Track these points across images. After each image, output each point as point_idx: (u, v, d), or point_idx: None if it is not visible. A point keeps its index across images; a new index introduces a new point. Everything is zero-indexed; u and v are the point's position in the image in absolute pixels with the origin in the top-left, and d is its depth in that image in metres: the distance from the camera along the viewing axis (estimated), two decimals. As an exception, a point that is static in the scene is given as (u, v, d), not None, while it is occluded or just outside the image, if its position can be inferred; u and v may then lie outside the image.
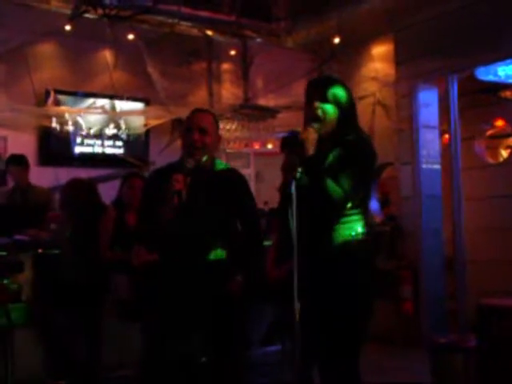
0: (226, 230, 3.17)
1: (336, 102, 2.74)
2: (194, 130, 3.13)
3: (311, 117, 2.73)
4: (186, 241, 3.10)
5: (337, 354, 2.69)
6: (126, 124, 7.40)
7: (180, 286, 3.09)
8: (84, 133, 7.11)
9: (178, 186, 2.97)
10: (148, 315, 3.25)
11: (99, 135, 7.23)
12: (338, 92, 2.76)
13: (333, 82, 2.83)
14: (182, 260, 3.10)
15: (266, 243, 4.02)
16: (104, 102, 7.24)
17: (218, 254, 3.13)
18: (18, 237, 4.70)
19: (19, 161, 5.74)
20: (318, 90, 2.77)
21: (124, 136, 7.37)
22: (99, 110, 7.20)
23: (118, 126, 7.35)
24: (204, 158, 3.16)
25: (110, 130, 7.31)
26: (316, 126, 2.67)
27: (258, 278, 3.53)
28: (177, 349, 3.07)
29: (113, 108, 7.29)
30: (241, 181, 3.34)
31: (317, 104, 2.73)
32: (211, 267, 3.11)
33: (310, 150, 2.58)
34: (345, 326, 2.65)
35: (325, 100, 2.73)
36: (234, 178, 3.31)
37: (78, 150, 7.18)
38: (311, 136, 2.62)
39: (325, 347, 2.71)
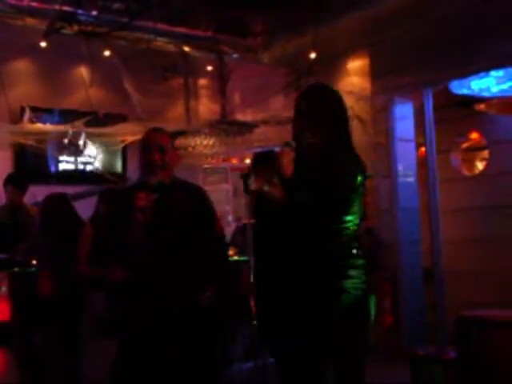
0: (192, 246, 3.16)
1: None
2: (154, 149, 3.16)
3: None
4: (153, 257, 3.09)
5: None
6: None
7: (151, 302, 3.08)
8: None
9: (141, 203, 3.02)
10: (122, 331, 3.23)
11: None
12: None
13: None
14: (151, 275, 3.09)
15: (243, 258, 4.00)
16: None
17: (186, 269, 3.11)
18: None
19: (19, 183, 5.65)
20: None
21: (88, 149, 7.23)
22: (73, 128, 7.10)
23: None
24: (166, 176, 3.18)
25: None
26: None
27: (231, 293, 3.52)
28: (150, 364, 3.04)
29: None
30: (202, 194, 3.36)
31: None
32: (180, 283, 3.09)
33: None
34: None
35: None
36: (194, 192, 3.32)
37: (54, 167, 7.11)
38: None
39: None
